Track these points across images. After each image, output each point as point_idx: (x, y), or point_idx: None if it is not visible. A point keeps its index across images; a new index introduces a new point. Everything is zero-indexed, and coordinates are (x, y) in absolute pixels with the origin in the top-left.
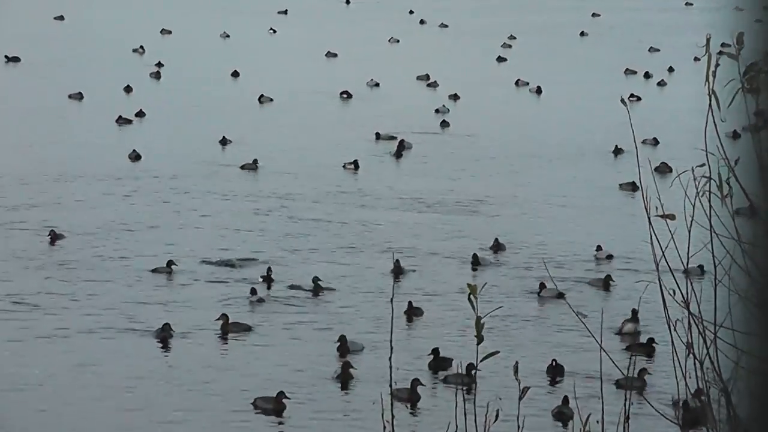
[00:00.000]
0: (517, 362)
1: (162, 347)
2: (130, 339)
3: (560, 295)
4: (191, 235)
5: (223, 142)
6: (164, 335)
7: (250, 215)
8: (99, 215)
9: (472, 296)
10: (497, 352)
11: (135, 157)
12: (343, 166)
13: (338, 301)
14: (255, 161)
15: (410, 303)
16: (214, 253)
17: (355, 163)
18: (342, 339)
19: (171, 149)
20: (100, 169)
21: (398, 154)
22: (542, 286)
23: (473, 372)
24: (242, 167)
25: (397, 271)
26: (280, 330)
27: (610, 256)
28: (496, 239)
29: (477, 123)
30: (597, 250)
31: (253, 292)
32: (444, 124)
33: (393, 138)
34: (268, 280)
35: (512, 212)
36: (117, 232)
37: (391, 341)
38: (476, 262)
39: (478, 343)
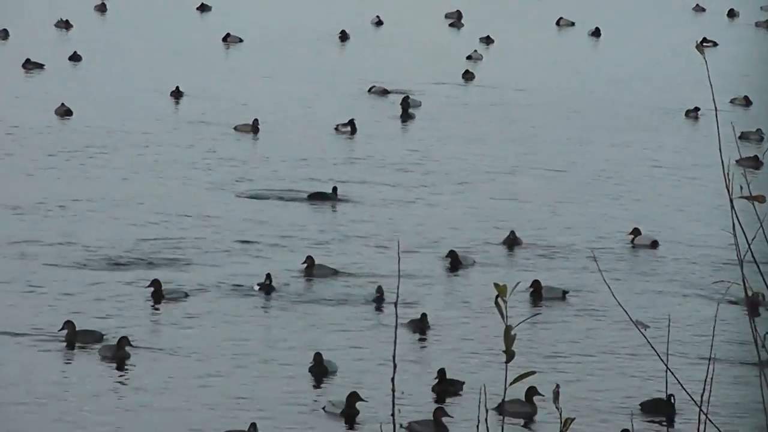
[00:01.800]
0: (557, 386)
1: (118, 367)
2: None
3: (564, 295)
4: (127, 218)
5: (176, 94)
6: (121, 354)
7: (209, 193)
8: (13, 189)
9: (500, 299)
10: (532, 372)
11: (64, 112)
12: (336, 129)
13: (323, 308)
14: (255, 122)
15: (424, 315)
16: (151, 247)
17: (351, 125)
18: (317, 358)
19: (108, 103)
20: (18, 125)
21: (404, 115)
22: (536, 285)
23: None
24: (236, 128)
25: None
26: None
27: (655, 243)
28: (512, 233)
29: (509, 73)
30: (632, 234)
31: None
32: (468, 76)
33: (386, 92)
34: (266, 287)
35: (547, 191)
36: (34, 212)
37: (394, 357)
38: (455, 262)
39: (507, 360)
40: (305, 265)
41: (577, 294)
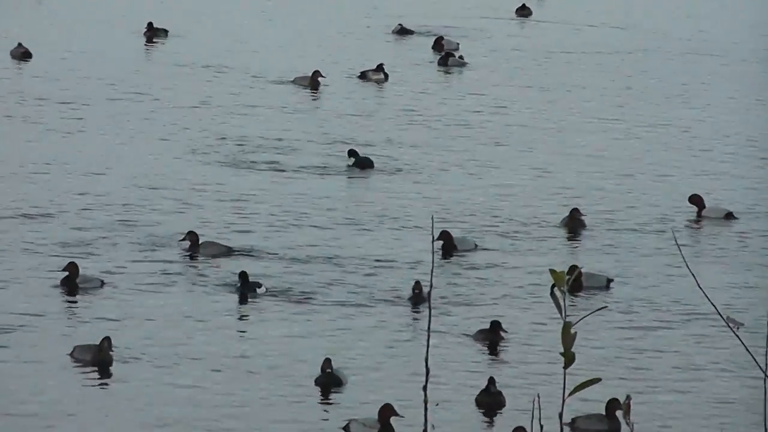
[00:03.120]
0: (628, 397)
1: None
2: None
3: (608, 284)
4: (88, 188)
5: (150, 32)
6: (103, 357)
7: (192, 163)
8: None
9: (556, 289)
10: (597, 379)
11: (22, 54)
12: (362, 76)
13: (334, 307)
14: (316, 75)
15: (495, 324)
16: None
17: (382, 71)
18: (326, 363)
19: (74, 42)
20: None
21: (443, 60)
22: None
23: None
24: (294, 81)
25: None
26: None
27: (730, 215)
28: (574, 210)
29: (577, 9)
30: (694, 203)
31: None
32: (524, 11)
33: (409, 33)
34: (243, 288)
35: (613, 157)
36: None
37: (426, 362)
38: (447, 246)
39: (566, 365)
40: (185, 241)
41: (628, 280)
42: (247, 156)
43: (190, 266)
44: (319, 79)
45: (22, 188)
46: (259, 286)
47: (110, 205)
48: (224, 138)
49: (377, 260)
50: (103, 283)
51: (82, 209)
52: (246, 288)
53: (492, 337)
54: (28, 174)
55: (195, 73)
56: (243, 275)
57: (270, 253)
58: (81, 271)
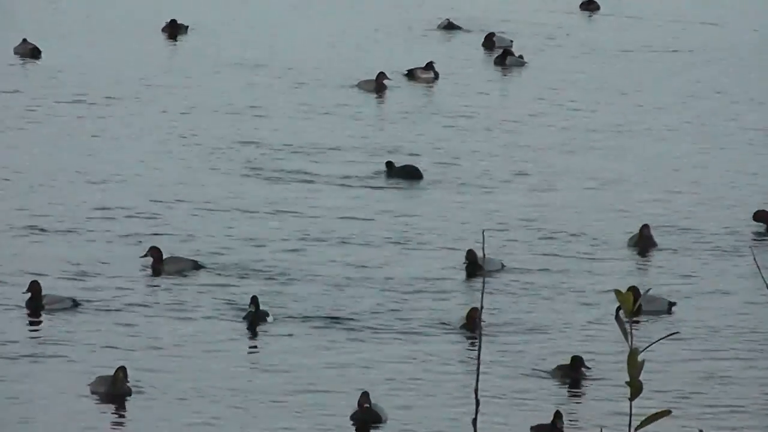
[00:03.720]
0: None
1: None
2: None
3: (669, 308)
4: (114, 194)
5: (172, 29)
6: (119, 388)
7: (213, 171)
8: None
9: (622, 311)
10: (667, 412)
11: (30, 51)
12: (410, 75)
13: (370, 333)
14: (381, 77)
15: (577, 360)
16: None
17: (432, 69)
18: (363, 397)
19: (87, 39)
20: None
21: (500, 59)
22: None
23: None
24: (358, 85)
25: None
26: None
27: None
28: (644, 227)
29: (651, 3)
30: (760, 220)
31: (254, 302)
32: (590, 5)
33: (456, 28)
34: (253, 316)
35: (699, 168)
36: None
37: (476, 392)
38: (472, 266)
39: (633, 396)
40: (146, 257)
41: (697, 302)
42: (276, 164)
43: (193, 287)
44: (385, 81)
45: (32, 200)
46: (267, 315)
47: (125, 217)
48: (250, 143)
49: (418, 280)
50: (75, 303)
51: (91, 221)
52: (257, 315)
53: (573, 373)
54: (36, 185)
55: (220, 72)
56: (255, 301)
57: (295, 273)
58: (52, 291)
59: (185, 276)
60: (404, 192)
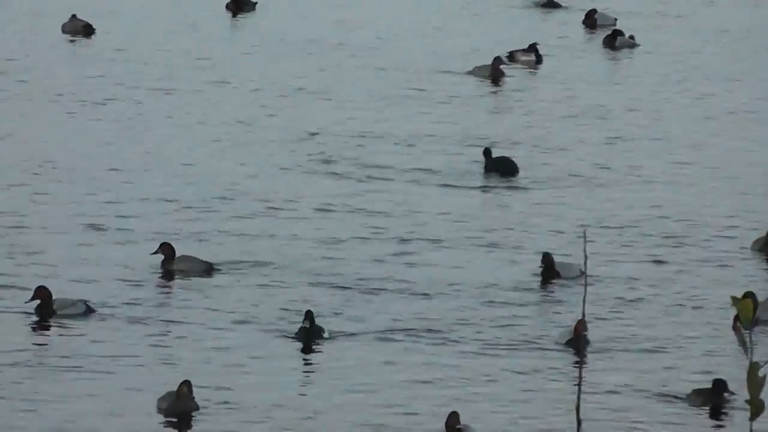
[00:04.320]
0: None
1: None
2: None
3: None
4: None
5: (237, 5)
6: (184, 404)
7: (280, 164)
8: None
9: (740, 320)
10: None
11: (82, 29)
12: (510, 57)
13: (458, 347)
14: (497, 62)
15: (719, 383)
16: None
17: (535, 51)
18: (452, 418)
19: (145, 17)
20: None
21: (609, 40)
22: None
23: None
24: (472, 72)
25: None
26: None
27: None
28: None
29: None
30: None
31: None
32: None
33: (556, 6)
34: (308, 333)
35: None
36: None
37: (578, 411)
38: (549, 270)
39: (753, 415)
40: (157, 254)
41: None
42: (349, 156)
43: (237, 292)
44: (502, 67)
45: (84, 196)
46: (323, 330)
47: (175, 210)
48: (320, 133)
49: (504, 287)
50: (88, 308)
51: (141, 217)
52: (312, 332)
53: (715, 399)
54: (92, 178)
55: (290, 52)
56: (310, 316)
57: (357, 280)
58: (60, 295)
59: (201, 277)
60: (496, 188)
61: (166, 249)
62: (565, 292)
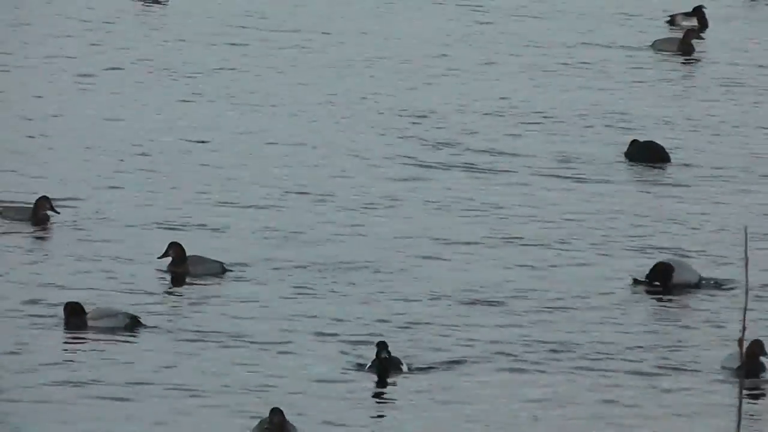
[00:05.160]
0: None
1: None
2: None
3: None
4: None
5: None
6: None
7: (376, 149)
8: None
9: None
10: None
11: None
12: (671, 22)
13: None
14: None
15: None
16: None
17: (700, 16)
18: None
19: None
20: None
21: None
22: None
23: None
24: (656, 46)
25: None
26: None
27: None
28: None
29: None
30: None
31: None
32: None
33: None
34: (379, 366)
35: None
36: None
37: None
38: (664, 277)
39: None
40: (166, 257)
41: None
42: (462, 141)
43: (288, 305)
44: (693, 41)
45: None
46: (401, 363)
47: (251, 207)
48: (429, 113)
49: (626, 297)
50: (133, 320)
51: (219, 214)
52: (390, 363)
53: None
54: (158, 152)
55: (395, 12)
56: (384, 347)
57: (468, 291)
58: (96, 305)
59: (214, 279)
60: (642, 180)
61: (176, 250)
62: (709, 304)
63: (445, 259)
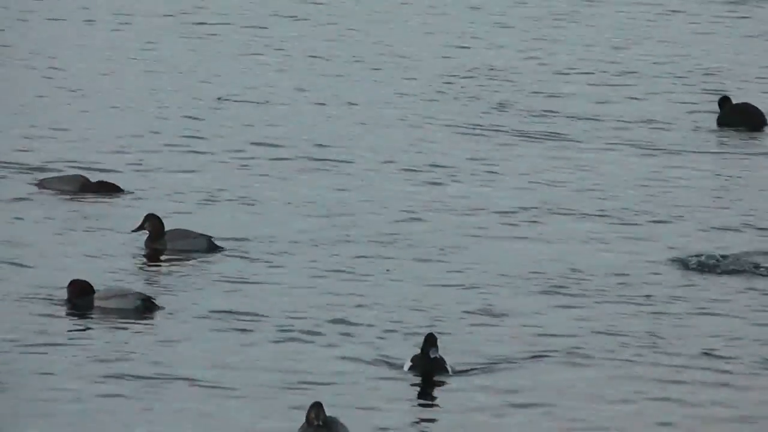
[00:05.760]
0: None
1: None
2: None
3: None
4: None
5: None
6: None
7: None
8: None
9: None
10: None
11: None
12: None
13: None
14: None
15: None
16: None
17: None
18: None
19: None
20: None
21: None
22: None
23: None
24: None
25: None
26: None
27: None
28: None
29: None
30: None
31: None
32: None
33: None
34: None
35: None
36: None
37: None
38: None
39: None
40: (141, 229)
41: None
42: (525, 103)
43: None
44: None
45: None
46: (444, 362)
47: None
48: (492, 76)
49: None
50: (148, 302)
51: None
52: (434, 363)
53: None
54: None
55: None
56: (433, 340)
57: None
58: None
59: (198, 256)
60: (735, 148)
61: (154, 223)
62: None
63: (504, 237)
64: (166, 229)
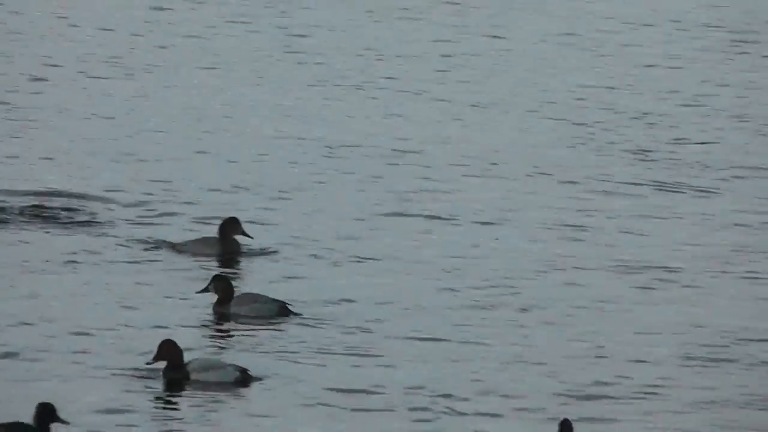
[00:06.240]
0: None
1: None
2: None
3: None
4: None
5: None
6: None
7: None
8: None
9: None
10: None
11: None
12: None
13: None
14: None
15: None
16: None
17: None
18: None
19: None
20: None
21: None
22: None
23: None
24: None
25: None
26: None
27: None
28: None
29: None
30: None
31: None
32: None
33: None
34: None
35: None
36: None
37: None
38: None
39: None
40: (207, 292)
41: None
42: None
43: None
44: None
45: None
46: None
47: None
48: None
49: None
50: (245, 373)
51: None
52: None
53: None
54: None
55: None
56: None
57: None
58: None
59: (270, 322)
60: None
61: (222, 287)
62: None
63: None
64: (236, 293)
